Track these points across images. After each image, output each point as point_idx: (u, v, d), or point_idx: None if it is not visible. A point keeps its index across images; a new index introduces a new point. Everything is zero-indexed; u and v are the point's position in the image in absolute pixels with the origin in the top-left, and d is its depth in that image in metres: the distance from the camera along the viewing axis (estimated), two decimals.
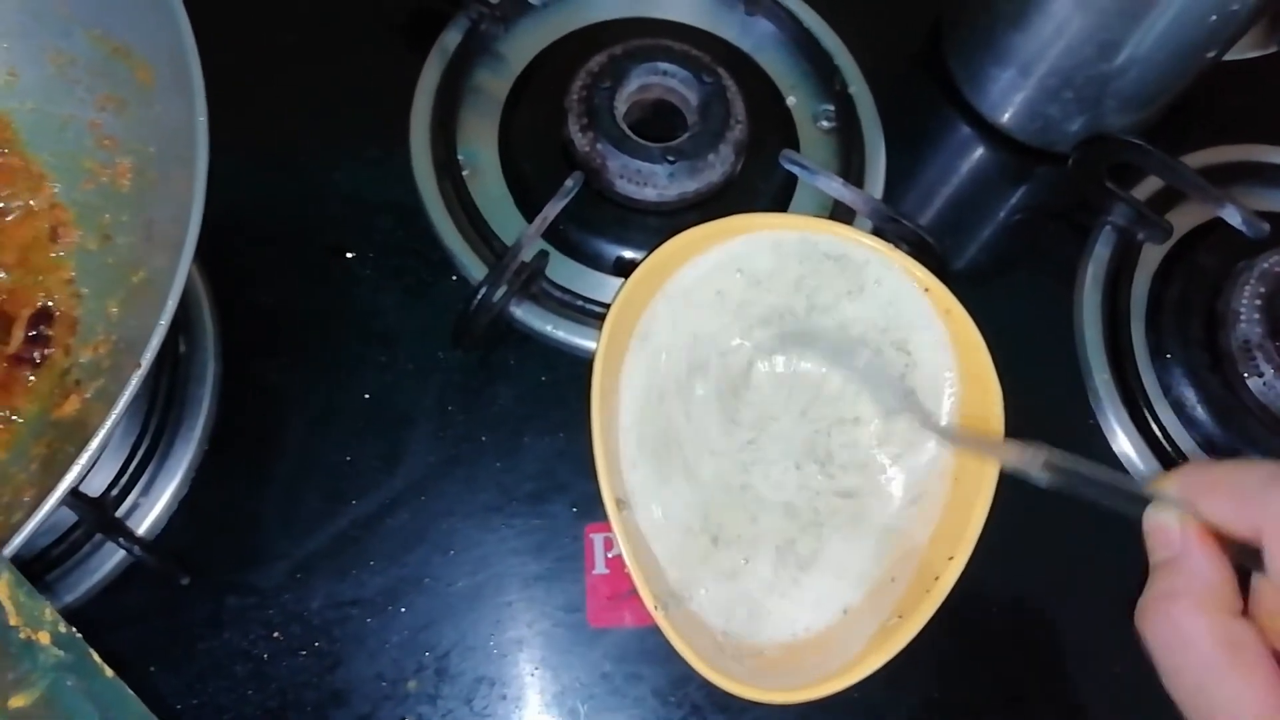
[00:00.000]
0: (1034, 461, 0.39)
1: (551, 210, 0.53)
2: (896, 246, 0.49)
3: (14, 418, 0.44)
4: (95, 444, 0.33)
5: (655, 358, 0.49)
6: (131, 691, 0.30)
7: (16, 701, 0.29)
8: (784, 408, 0.50)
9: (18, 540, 0.31)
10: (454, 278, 0.56)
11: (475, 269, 0.55)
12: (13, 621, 0.30)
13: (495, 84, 0.61)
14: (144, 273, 0.43)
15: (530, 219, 0.56)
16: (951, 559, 0.44)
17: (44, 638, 0.30)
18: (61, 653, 0.30)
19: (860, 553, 0.47)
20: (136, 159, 0.46)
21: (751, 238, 0.50)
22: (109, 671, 0.30)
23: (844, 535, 0.47)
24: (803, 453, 0.49)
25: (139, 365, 0.34)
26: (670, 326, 0.49)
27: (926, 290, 0.49)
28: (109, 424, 0.33)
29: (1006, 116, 0.63)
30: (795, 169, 0.55)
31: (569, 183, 0.54)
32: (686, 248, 0.49)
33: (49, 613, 0.31)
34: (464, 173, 0.57)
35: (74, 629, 0.31)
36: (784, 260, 0.50)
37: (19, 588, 0.31)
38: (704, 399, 0.49)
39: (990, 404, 0.47)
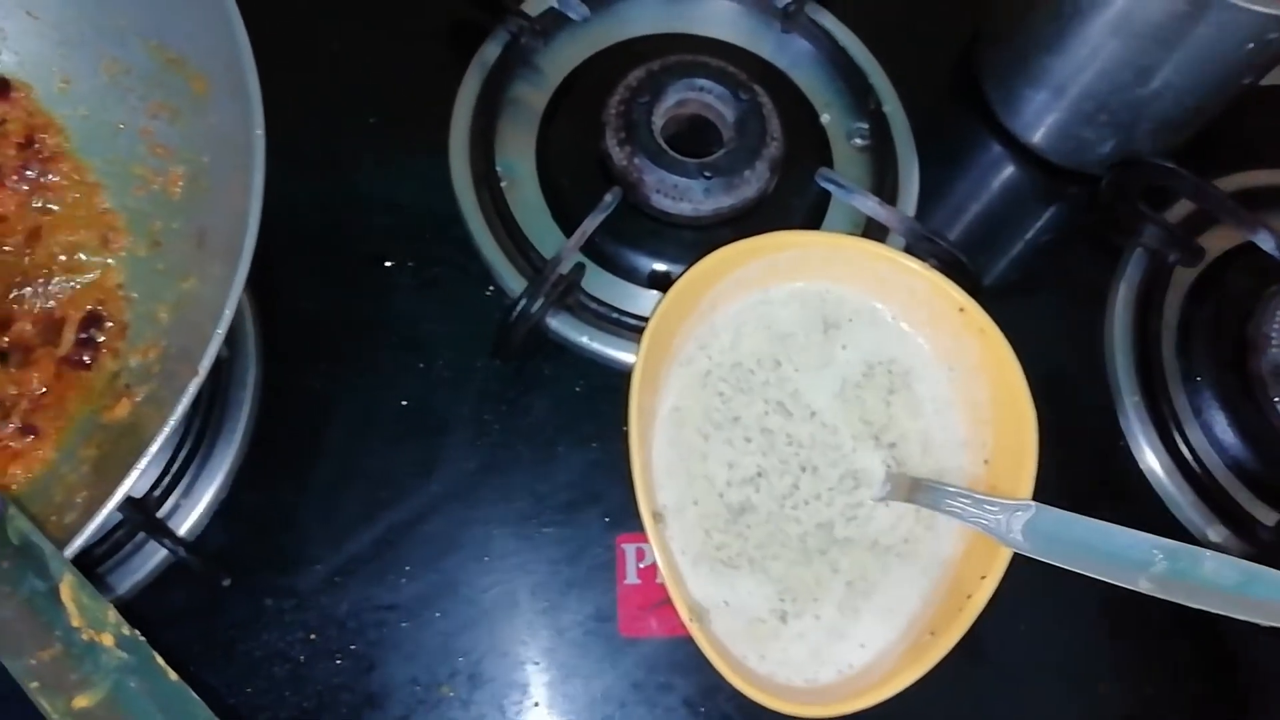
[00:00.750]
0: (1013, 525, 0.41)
1: (590, 224, 0.54)
2: (931, 265, 0.50)
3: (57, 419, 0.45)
4: (153, 449, 0.34)
5: (695, 379, 0.50)
6: (195, 694, 0.31)
7: (80, 702, 0.30)
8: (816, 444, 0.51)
9: (77, 543, 0.32)
10: (490, 288, 0.57)
11: (512, 280, 0.56)
12: (75, 623, 0.30)
13: (533, 96, 0.62)
14: (194, 280, 0.44)
15: (567, 231, 0.57)
16: (984, 578, 0.45)
17: (107, 639, 0.31)
18: (124, 655, 0.31)
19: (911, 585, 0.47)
20: (189, 167, 0.47)
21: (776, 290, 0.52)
22: (173, 675, 0.31)
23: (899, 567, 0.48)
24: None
25: (196, 373, 0.35)
26: (709, 352, 0.51)
27: (961, 310, 0.50)
28: (166, 429, 0.34)
29: (1039, 137, 0.63)
30: (831, 187, 0.56)
31: (608, 198, 0.55)
32: (723, 264, 0.49)
33: (111, 615, 0.31)
34: (502, 184, 0.58)
35: (137, 631, 0.32)
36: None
37: (81, 590, 0.31)
38: (746, 429, 0.50)
39: (1024, 426, 0.47)
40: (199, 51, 0.44)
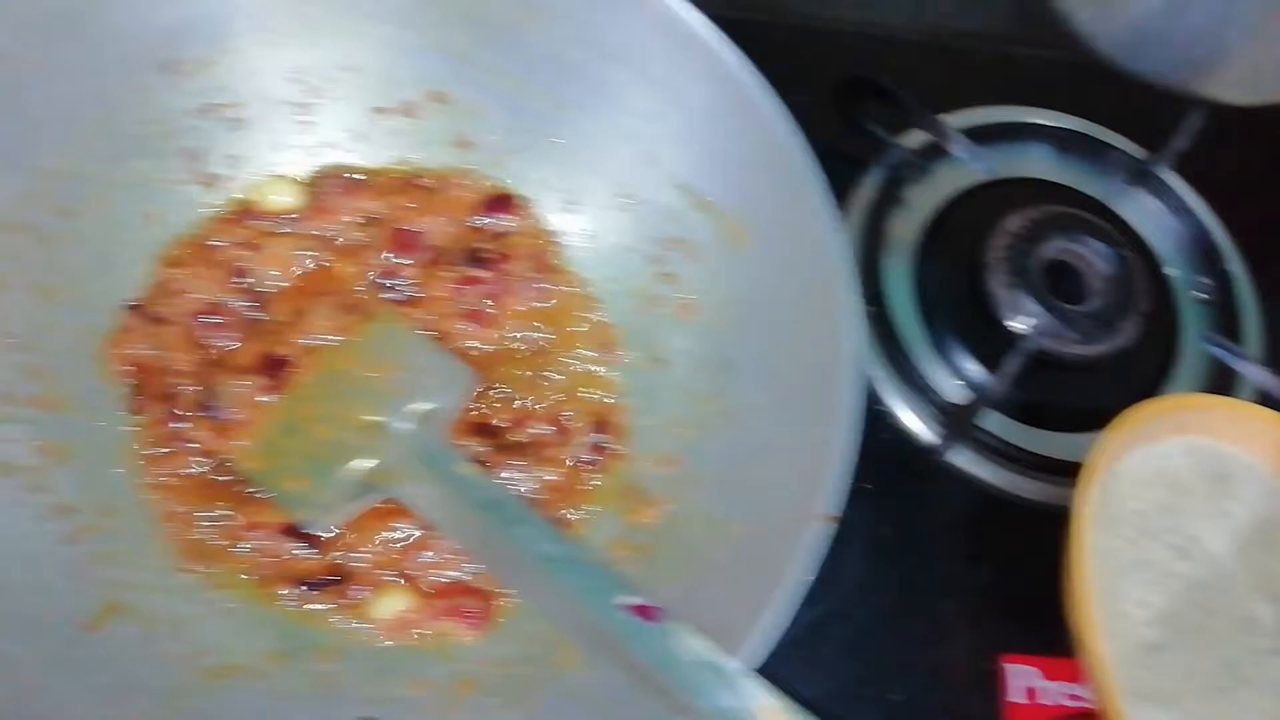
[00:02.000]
0: None
1: (997, 383, 0.59)
2: None
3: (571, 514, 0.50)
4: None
5: (1102, 522, 0.54)
6: None
7: None
8: None
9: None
10: (878, 408, 0.62)
11: (898, 405, 0.61)
12: None
13: (904, 229, 0.67)
14: (722, 404, 0.48)
15: (944, 359, 0.62)
16: None
17: None
18: None
19: None
20: (707, 299, 0.50)
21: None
22: None
23: None
24: None
25: (825, 518, 0.39)
26: (1113, 497, 0.55)
27: None
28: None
29: None
30: (1221, 353, 0.61)
31: (1016, 357, 0.59)
32: (1140, 421, 0.54)
33: None
34: (886, 316, 0.63)
35: None
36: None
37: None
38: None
39: None
40: (747, 206, 0.48)
